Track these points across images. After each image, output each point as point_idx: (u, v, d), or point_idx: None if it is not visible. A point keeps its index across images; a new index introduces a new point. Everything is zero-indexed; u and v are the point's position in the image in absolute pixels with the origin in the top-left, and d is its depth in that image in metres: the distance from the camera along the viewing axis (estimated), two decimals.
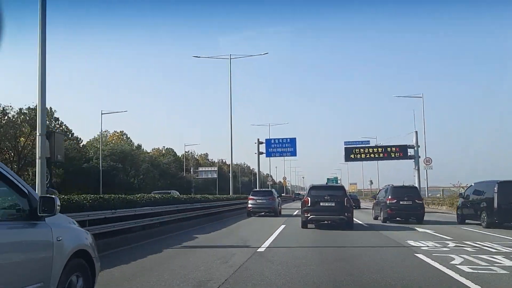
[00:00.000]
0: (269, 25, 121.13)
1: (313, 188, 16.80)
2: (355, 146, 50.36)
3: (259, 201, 25.38)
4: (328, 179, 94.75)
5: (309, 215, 15.47)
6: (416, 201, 19.89)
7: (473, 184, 19.72)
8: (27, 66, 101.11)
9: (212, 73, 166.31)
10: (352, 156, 48.76)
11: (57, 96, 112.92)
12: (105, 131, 69.27)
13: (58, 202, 3.93)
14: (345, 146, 49.85)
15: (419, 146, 44.29)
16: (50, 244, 3.85)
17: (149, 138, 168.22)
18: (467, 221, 18.75)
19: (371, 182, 79.16)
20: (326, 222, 16.04)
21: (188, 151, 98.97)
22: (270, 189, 31.97)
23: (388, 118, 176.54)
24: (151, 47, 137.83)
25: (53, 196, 3.94)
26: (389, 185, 22.26)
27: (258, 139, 47.23)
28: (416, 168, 43.96)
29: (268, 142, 47.16)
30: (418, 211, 19.62)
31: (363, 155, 48.79)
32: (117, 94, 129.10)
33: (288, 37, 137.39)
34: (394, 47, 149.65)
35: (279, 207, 27.33)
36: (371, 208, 24.78)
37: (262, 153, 47.08)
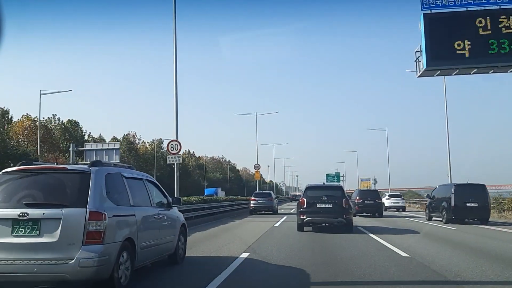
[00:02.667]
0: (269, 25, 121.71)
1: (309, 188, 15.95)
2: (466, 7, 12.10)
3: (259, 201, 29.86)
4: (327, 175, 79.33)
5: (305, 217, 14.80)
6: (376, 200, 26.47)
7: (437, 186, 23.72)
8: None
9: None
10: (460, 45, 11.74)
11: None
12: None
13: (182, 199, 8.09)
14: (425, 11, 12.19)
15: None
16: (175, 218, 7.97)
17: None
18: (434, 218, 22.63)
19: (375, 181, 70.27)
20: (323, 224, 15.34)
21: (136, 135, 69.02)
22: (269, 191, 36.37)
23: None
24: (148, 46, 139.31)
25: (179, 197, 8.06)
26: (358, 189, 29.52)
27: None
28: None
29: None
30: (378, 208, 26.34)
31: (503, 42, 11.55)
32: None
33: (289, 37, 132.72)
34: None
35: (277, 207, 32.14)
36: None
37: None
